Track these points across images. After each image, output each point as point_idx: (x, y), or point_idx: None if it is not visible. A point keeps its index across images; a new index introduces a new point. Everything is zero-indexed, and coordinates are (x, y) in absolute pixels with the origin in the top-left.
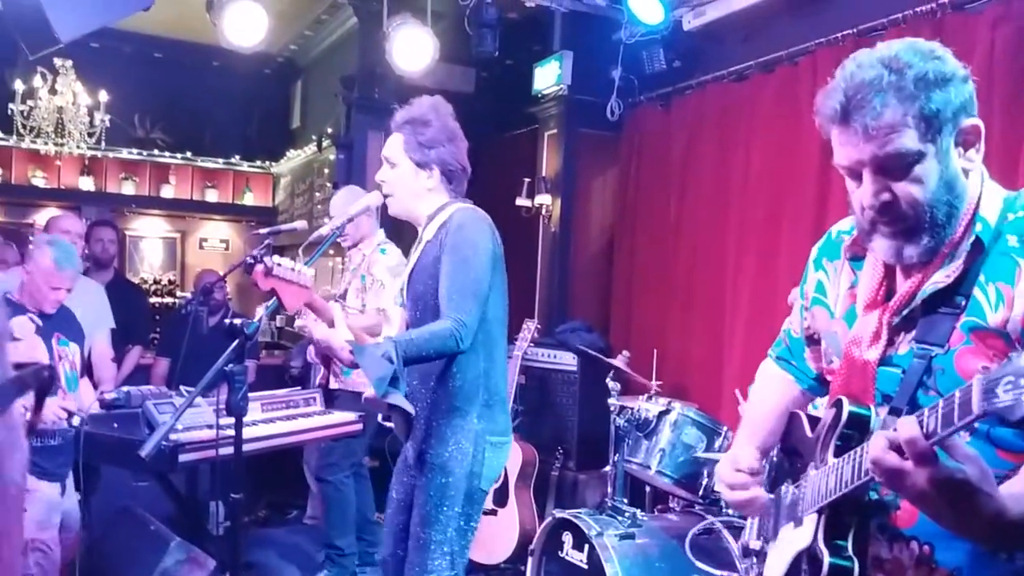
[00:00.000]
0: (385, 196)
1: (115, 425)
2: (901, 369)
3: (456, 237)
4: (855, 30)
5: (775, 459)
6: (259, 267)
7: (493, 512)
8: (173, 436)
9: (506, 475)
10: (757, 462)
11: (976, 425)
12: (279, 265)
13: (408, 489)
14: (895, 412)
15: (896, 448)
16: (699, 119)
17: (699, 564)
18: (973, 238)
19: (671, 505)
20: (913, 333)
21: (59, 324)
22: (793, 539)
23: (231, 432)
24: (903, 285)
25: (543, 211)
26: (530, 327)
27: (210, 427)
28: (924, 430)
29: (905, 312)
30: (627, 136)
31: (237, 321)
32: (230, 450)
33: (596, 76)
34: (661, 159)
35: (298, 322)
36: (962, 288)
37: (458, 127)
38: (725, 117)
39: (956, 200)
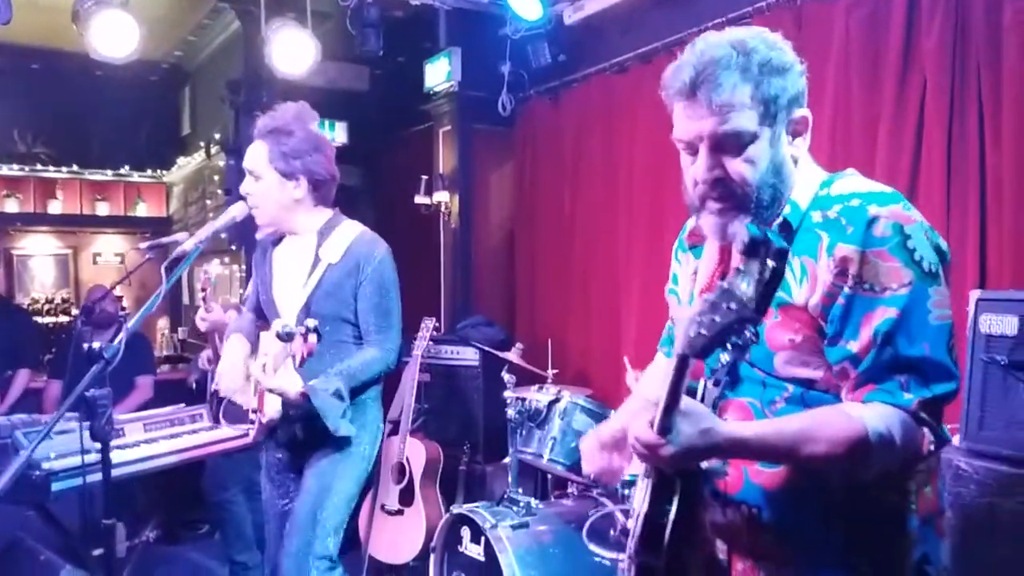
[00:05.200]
0: (251, 208)
1: None
2: None
3: (378, 271)
4: (725, 18)
5: None
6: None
7: (400, 512)
8: (46, 465)
9: (411, 474)
10: (612, 434)
11: (790, 390)
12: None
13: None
14: (717, 384)
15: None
16: (586, 112)
17: (592, 547)
18: (781, 220)
19: (569, 491)
20: None
21: None
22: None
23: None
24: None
25: (442, 208)
26: (428, 326)
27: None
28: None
29: None
30: (520, 131)
31: (96, 344)
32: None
33: (486, 72)
34: (554, 153)
35: (253, 369)
36: None
37: (322, 134)
38: (610, 109)
39: (781, 184)
